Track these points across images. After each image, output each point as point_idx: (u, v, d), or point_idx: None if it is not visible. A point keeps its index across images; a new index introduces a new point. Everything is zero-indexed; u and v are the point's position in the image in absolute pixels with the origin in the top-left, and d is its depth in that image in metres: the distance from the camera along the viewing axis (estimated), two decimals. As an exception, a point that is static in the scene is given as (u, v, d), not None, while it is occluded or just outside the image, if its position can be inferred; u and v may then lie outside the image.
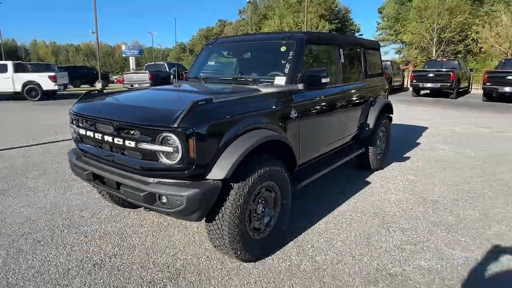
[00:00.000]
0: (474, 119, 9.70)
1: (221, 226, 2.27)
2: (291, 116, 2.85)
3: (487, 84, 13.36)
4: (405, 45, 41.41)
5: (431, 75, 15.05)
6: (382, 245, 2.81)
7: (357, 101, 4.09)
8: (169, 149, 2.11)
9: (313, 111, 3.16)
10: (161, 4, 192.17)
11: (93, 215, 3.37)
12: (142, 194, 2.19)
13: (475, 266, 2.53)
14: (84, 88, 23.63)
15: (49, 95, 16.17)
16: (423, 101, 14.61)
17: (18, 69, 14.81)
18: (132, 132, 2.25)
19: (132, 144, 2.24)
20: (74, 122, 2.76)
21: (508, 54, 25.64)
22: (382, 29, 50.25)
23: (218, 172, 2.18)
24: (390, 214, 3.40)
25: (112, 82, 29.45)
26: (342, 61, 3.83)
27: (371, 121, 4.32)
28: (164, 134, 2.11)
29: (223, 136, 2.24)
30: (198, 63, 3.86)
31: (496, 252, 2.71)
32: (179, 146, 2.07)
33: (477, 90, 18.64)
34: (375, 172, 4.72)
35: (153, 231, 3.03)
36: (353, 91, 3.96)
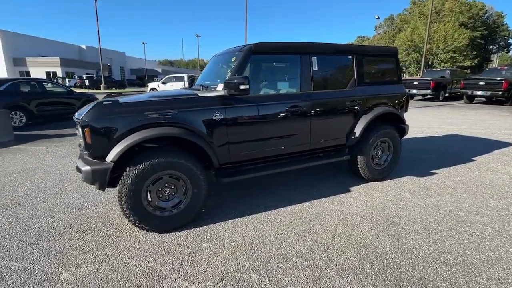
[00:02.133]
0: None
1: (118, 199, 2.37)
2: (214, 118, 2.61)
3: None
4: None
5: None
6: (272, 251, 2.28)
7: (337, 108, 3.27)
8: (80, 135, 2.34)
9: (247, 116, 2.76)
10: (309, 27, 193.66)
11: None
12: (75, 165, 2.51)
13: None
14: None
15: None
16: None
17: (190, 79, 18.03)
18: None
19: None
20: None
21: None
22: (545, 32, 35.76)
23: (110, 156, 2.27)
24: (324, 225, 2.65)
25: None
26: (315, 68, 3.13)
27: (358, 129, 3.38)
28: (78, 125, 2.35)
29: (120, 128, 2.30)
30: (203, 71, 3.90)
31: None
32: (81, 134, 2.27)
33: None
34: (371, 182, 3.68)
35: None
36: (327, 98, 3.18)
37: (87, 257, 2.22)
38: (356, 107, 3.39)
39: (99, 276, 2.01)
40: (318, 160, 3.29)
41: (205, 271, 2.05)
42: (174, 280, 1.96)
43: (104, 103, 2.31)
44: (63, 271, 2.06)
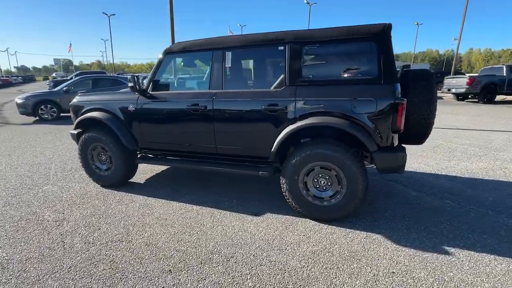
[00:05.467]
0: None
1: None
2: (129, 109, 3.19)
3: None
4: None
5: None
6: (101, 224, 2.67)
7: (247, 112, 2.64)
8: (71, 111, 3.80)
9: (149, 110, 3.07)
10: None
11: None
12: None
13: None
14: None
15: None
16: None
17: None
18: None
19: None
20: None
21: None
22: None
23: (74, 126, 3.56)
24: (152, 228, 2.55)
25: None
26: (228, 65, 2.72)
27: (277, 142, 2.56)
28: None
29: (81, 110, 3.50)
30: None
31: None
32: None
33: None
34: (306, 218, 2.62)
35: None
36: (235, 100, 2.65)
37: (62, 184, 3.70)
38: (282, 114, 2.55)
39: (45, 195, 3.38)
40: (228, 168, 2.91)
41: (70, 218, 2.86)
42: (45, 213, 2.96)
43: (80, 93, 3.61)
44: (48, 186, 3.65)
